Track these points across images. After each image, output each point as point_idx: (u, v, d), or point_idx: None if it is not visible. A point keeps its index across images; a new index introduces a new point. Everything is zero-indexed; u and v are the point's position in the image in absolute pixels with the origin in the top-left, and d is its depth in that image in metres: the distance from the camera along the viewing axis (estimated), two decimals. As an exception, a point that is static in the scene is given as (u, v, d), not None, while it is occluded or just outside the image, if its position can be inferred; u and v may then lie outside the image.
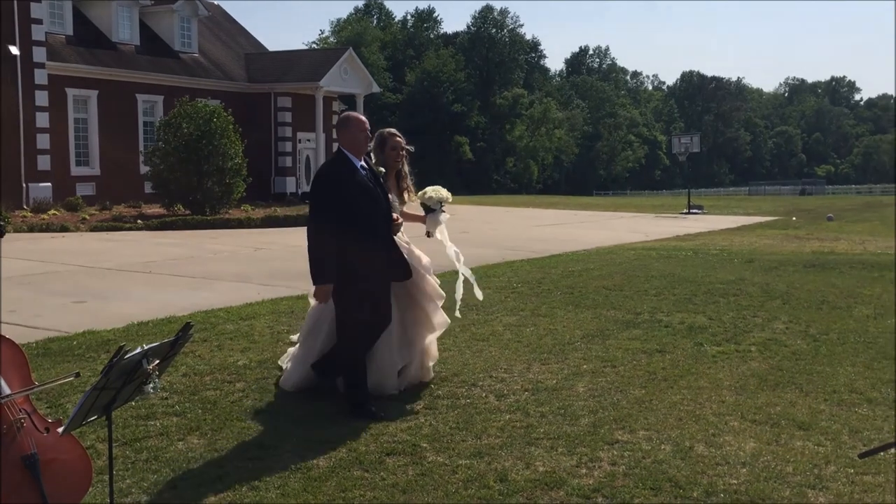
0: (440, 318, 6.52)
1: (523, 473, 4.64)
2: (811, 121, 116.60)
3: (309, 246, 5.64)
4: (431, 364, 6.55)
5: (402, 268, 6.07)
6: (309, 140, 33.11)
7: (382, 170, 6.25)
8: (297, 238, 18.45)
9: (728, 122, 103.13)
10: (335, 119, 33.19)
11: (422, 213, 6.76)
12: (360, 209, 5.68)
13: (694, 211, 33.37)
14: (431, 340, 6.52)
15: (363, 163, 5.85)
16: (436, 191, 6.64)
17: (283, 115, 32.42)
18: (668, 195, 61.33)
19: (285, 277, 12.26)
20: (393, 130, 6.50)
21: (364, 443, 5.12)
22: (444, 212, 6.70)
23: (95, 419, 3.63)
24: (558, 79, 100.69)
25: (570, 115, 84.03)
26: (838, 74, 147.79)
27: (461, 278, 6.99)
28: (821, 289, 11.38)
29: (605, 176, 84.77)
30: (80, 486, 3.85)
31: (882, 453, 4.65)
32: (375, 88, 35.78)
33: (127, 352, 3.44)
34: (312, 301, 6.25)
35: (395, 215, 6.15)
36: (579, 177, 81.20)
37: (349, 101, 34.72)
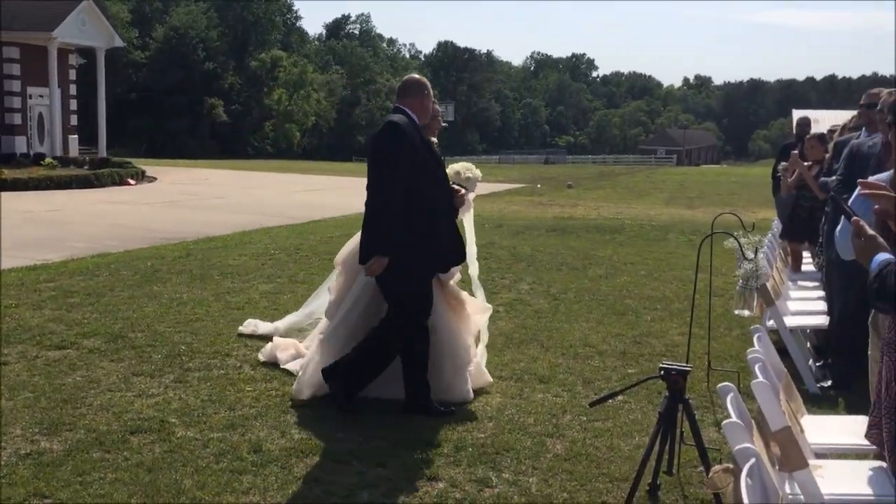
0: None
1: (279, 442, 4.58)
2: (554, 94, 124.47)
3: (374, 207, 4.86)
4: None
5: (459, 252, 5.29)
6: (42, 96, 30.07)
7: None
8: (30, 203, 16.92)
9: (480, 93, 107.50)
10: (72, 74, 30.49)
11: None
12: (430, 178, 4.99)
13: (449, 178, 34.43)
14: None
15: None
16: (468, 169, 5.76)
17: (9, 66, 29.14)
18: (425, 162, 62.95)
19: (20, 247, 11.13)
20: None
21: (105, 422, 4.78)
22: (473, 192, 5.79)
23: None
24: (317, 43, 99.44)
25: (328, 80, 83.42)
26: (579, 51, 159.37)
27: (475, 281, 6.05)
28: (561, 251, 12.25)
29: (364, 142, 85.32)
30: None
31: (610, 401, 5.10)
32: (118, 42, 33.23)
33: None
34: (334, 293, 5.46)
35: (455, 187, 5.36)
36: (339, 143, 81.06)
37: (88, 54, 31.97)
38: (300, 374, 5.41)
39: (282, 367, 5.89)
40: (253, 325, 6.92)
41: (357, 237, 5.41)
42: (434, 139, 5.41)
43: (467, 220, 5.83)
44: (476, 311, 5.73)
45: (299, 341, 6.19)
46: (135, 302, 7.96)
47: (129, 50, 60.89)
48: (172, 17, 69.04)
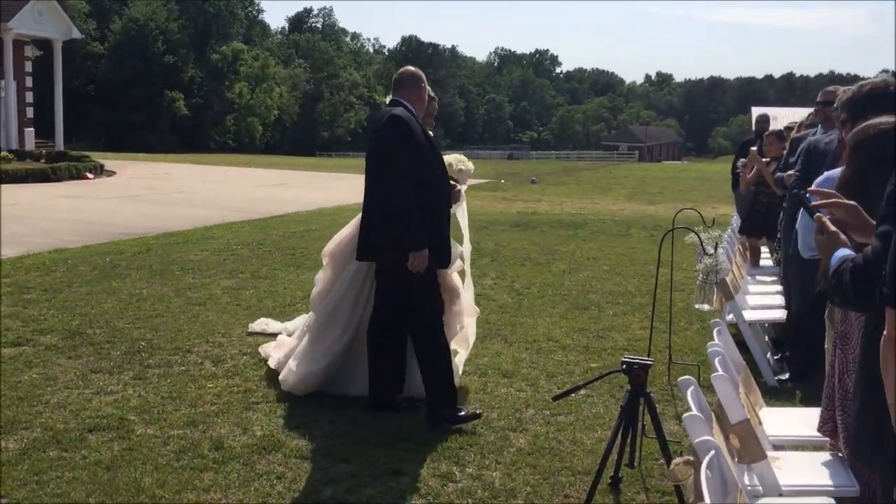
0: (464, 327, 5.63)
1: (240, 439, 4.54)
2: (518, 90, 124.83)
3: (398, 205, 4.67)
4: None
5: (447, 253, 5.11)
6: (-4, 88, 29.44)
7: None
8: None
9: (444, 88, 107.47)
10: (28, 66, 29.85)
11: None
12: (433, 171, 4.87)
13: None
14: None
15: None
16: (461, 161, 5.63)
17: (-37, 58, 28.49)
18: (389, 157, 62.77)
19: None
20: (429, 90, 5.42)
21: (62, 420, 4.70)
22: (464, 185, 5.67)
23: None
24: (280, 36, 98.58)
25: (291, 74, 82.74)
26: (542, 48, 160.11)
27: (468, 275, 5.85)
28: (525, 246, 12.30)
29: (328, 137, 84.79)
30: None
31: (573, 395, 5.13)
32: (76, 34, 32.61)
33: None
34: (319, 285, 5.41)
35: (452, 183, 5.23)
36: (302, 137, 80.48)
37: (45, 46, 31.30)
38: (286, 367, 5.36)
39: (272, 366, 5.69)
40: (264, 324, 6.82)
41: (347, 230, 5.38)
42: (430, 132, 5.30)
43: (461, 214, 5.69)
44: (467, 313, 5.64)
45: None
46: (93, 298, 7.83)
47: (87, 42, 59.83)
48: (132, 8, 67.96)
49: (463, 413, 4.86)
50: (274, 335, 6.43)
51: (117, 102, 63.67)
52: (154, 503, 3.80)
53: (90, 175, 23.44)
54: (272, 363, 5.69)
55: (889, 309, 1.80)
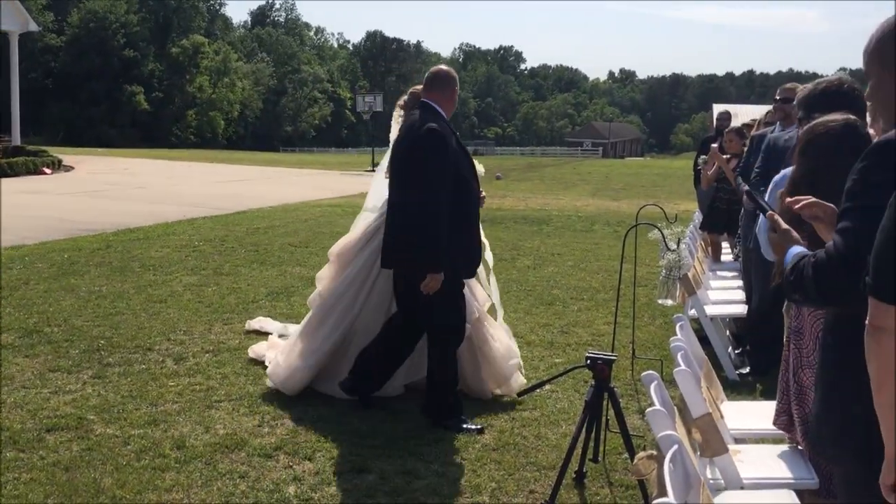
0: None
1: (202, 438, 4.48)
2: (483, 86, 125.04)
3: (426, 225, 4.55)
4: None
5: (476, 262, 5.05)
6: (-51, 82, 28.79)
7: None
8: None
9: (409, 83, 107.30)
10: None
11: None
12: (467, 180, 4.73)
13: (378, 168, 34.34)
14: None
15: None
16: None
17: (-86, 50, 27.82)
18: (355, 153, 62.52)
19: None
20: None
21: (20, 420, 4.61)
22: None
23: None
24: (242, 30, 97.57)
25: (254, 69, 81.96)
26: (507, 44, 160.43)
27: (496, 297, 5.73)
28: (490, 242, 12.26)
29: (291, 132, 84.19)
30: None
31: (538, 390, 5.16)
32: (33, 27, 31.96)
33: None
34: (320, 284, 5.37)
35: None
36: (265, 132, 79.81)
37: (1, 38, 30.66)
38: (273, 361, 5.34)
39: (268, 366, 5.54)
40: (260, 323, 6.71)
41: (356, 233, 5.36)
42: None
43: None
44: (505, 337, 5.50)
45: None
46: (51, 295, 7.69)
47: (45, 34, 58.71)
48: (90, 1, 66.82)
49: (466, 426, 4.76)
50: (267, 334, 6.37)
51: (76, 96, 62.59)
52: (114, 504, 3.74)
53: (47, 170, 22.99)
54: (268, 363, 5.54)
55: (872, 299, 1.83)
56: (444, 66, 5.09)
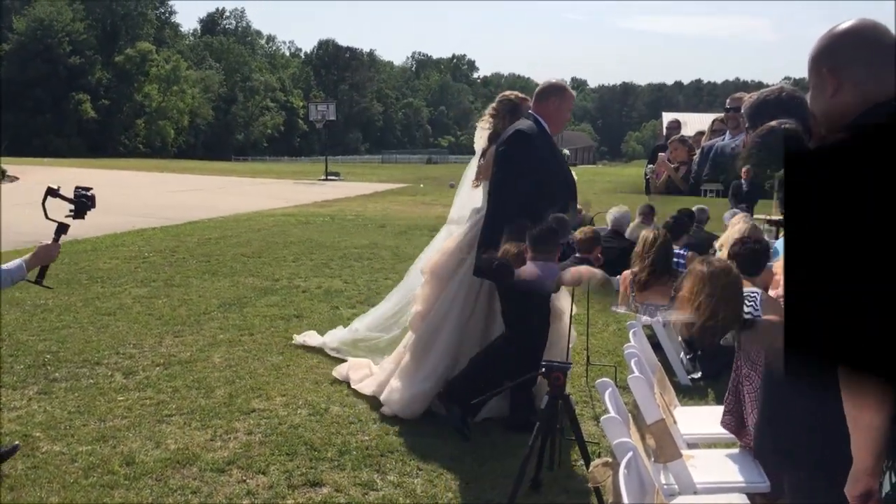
0: None
1: (153, 454, 4.39)
2: (436, 95, 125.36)
3: (496, 216, 4.61)
4: None
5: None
6: None
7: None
8: None
9: (362, 92, 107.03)
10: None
11: None
12: (553, 188, 4.69)
13: (331, 178, 34.23)
14: None
15: None
16: None
17: None
18: (308, 162, 62.15)
19: None
20: (523, 95, 5.28)
21: (-39, 440, 4.46)
22: None
23: None
24: (192, 38, 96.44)
25: (204, 76, 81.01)
26: (459, 52, 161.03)
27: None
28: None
29: (243, 141, 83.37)
30: None
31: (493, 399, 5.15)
32: (-25, 33, 31.23)
33: None
34: (420, 303, 5.15)
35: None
36: (216, 141, 78.90)
37: (-59, 45, 29.85)
38: (388, 387, 5.17)
39: (353, 386, 5.51)
40: (304, 337, 6.65)
41: (449, 243, 5.23)
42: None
43: None
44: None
45: (373, 362, 5.80)
46: (-6, 309, 7.48)
47: (-13, 41, 57.41)
48: (35, 8, 65.50)
49: (460, 427, 4.75)
50: (314, 348, 6.37)
51: (21, 105, 61.24)
52: (61, 524, 3.64)
53: (-9, 180, 22.43)
54: (367, 389, 5.40)
55: None
56: (552, 80, 5.04)
